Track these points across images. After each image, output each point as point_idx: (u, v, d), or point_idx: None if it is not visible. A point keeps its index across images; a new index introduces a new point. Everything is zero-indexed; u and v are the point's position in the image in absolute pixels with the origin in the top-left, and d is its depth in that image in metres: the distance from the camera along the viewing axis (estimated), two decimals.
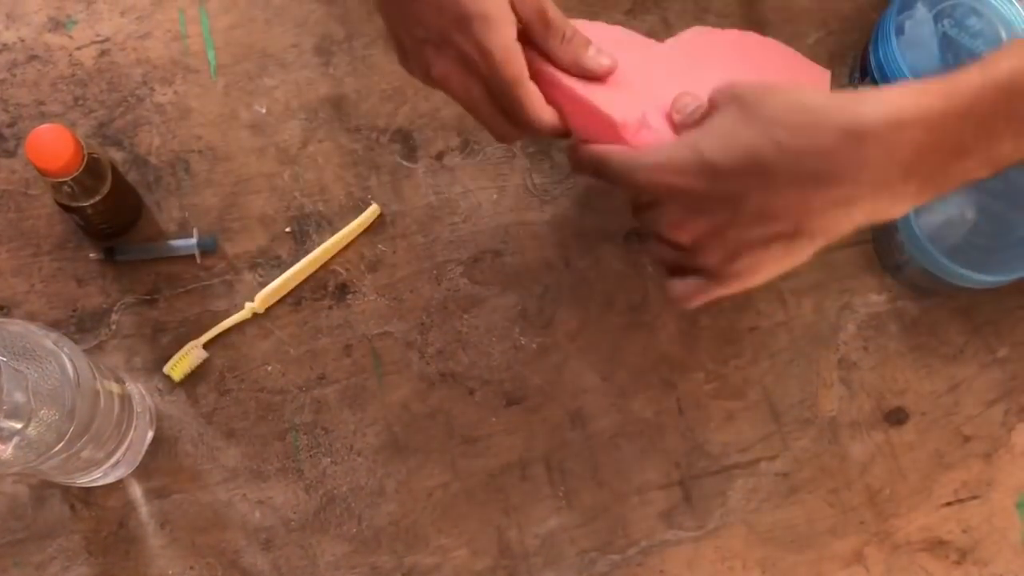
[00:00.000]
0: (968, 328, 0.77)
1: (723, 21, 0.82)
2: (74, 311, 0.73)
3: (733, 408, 0.75)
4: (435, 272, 0.75)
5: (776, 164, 0.47)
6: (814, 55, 0.81)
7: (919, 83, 0.48)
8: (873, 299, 0.77)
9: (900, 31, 0.75)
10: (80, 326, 0.72)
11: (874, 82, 0.77)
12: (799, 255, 0.51)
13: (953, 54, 0.76)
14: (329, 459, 0.72)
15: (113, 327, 0.72)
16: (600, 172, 0.58)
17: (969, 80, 0.47)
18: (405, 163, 0.77)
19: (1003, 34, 0.76)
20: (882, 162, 0.46)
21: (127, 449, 0.63)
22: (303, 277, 0.74)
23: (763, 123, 0.47)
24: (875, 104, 0.47)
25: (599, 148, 0.58)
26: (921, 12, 0.76)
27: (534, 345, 0.75)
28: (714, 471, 0.73)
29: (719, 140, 0.49)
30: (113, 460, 0.62)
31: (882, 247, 0.77)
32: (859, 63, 0.79)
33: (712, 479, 0.73)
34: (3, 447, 0.49)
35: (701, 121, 0.54)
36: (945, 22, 0.76)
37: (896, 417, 0.75)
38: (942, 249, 0.71)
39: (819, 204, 0.48)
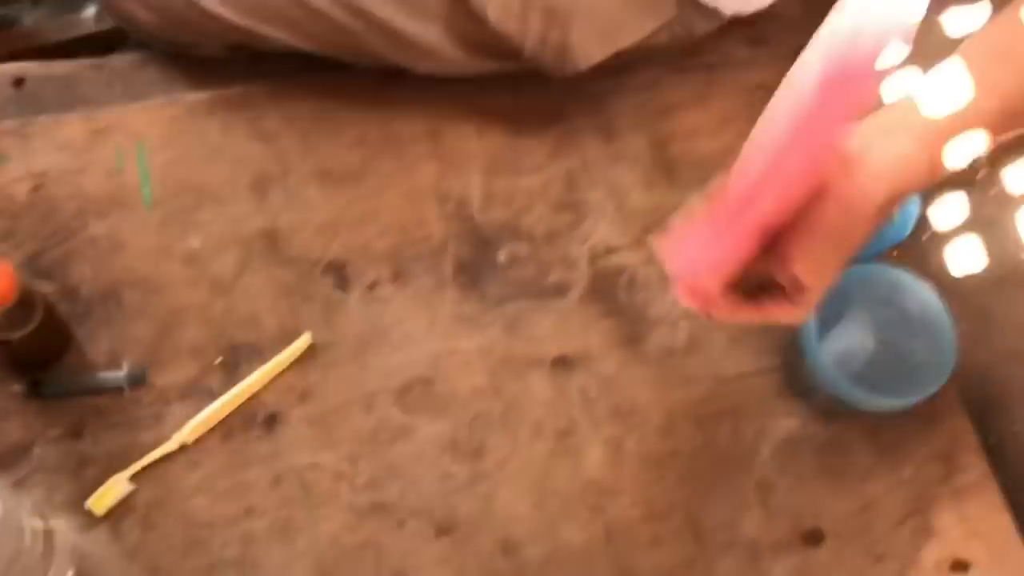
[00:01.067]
0: (875, 450, 0.81)
1: (635, 164, 0.88)
2: None
3: (659, 532, 0.76)
4: (366, 401, 0.77)
5: None
6: None
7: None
8: (786, 424, 0.81)
9: None
10: (0, 461, 0.70)
11: None
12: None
13: None
14: None
15: (35, 462, 0.71)
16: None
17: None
18: (338, 294, 0.79)
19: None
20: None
21: None
22: (233, 408, 0.74)
23: None
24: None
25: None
26: None
27: (464, 474, 0.76)
28: None
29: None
30: None
31: (792, 375, 0.82)
32: None
33: None
34: None
35: None
36: None
37: (813, 538, 0.78)
38: (846, 376, 0.76)
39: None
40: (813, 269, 0.60)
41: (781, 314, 0.63)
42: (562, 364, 0.80)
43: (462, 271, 0.82)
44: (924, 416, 0.83)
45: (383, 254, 0.82)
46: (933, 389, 0.77)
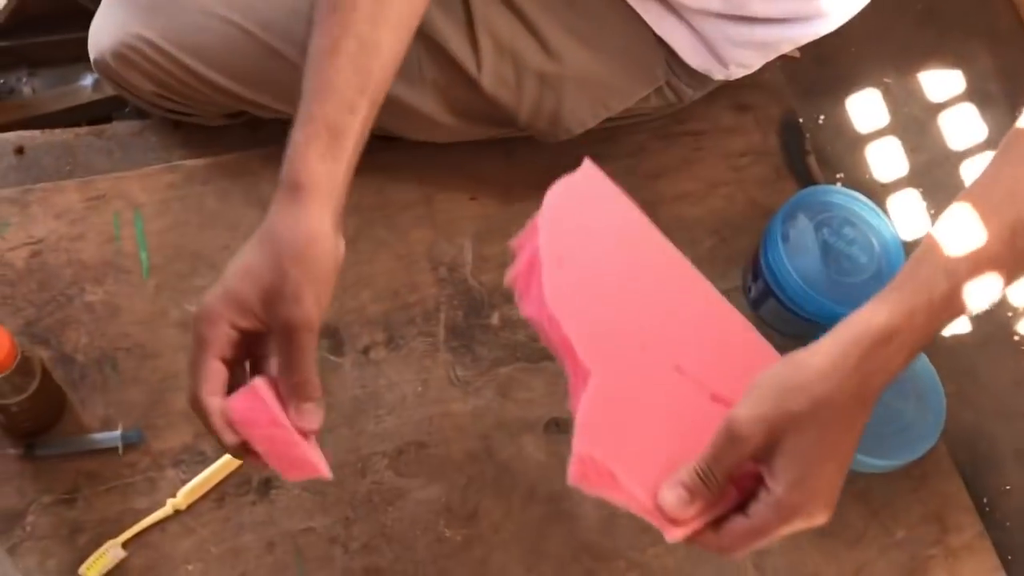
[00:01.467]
0: (867, 512, 0.82)
1: None
2: None
3: None
4: (360, 465, 0.77)
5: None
6: (710, 259, 0.89)
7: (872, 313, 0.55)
8: None
9: (786, 238, 0.84)
10: None
11: (766, 283, 0.84)
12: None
13: (833, 259, 0.84)
14: None
15: (28, 528, 0.71)
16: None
17: (912, 294, 0.55)
18: (332, 358, 0.80)
19: (874, 241, 0.86)
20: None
21: None
22: (227, 472, 0.74)
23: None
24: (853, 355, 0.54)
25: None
26: (803, 222, 0.85)
27: (459, 537, 0.76)
28: None
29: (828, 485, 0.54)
30: None
31: None
32: (751, 266, 0.87)
33: None
34: None
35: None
36: (824, 231, 0.85)
37: None
38: None
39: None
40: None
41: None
42: (555, 427, 0.80)
43: (455, 335, 0.83)
44: (915, 477, 0.83)
45: (377, 318, 0.82)
46: (924, 449, 0.78)
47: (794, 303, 0.83)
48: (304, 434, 0.58)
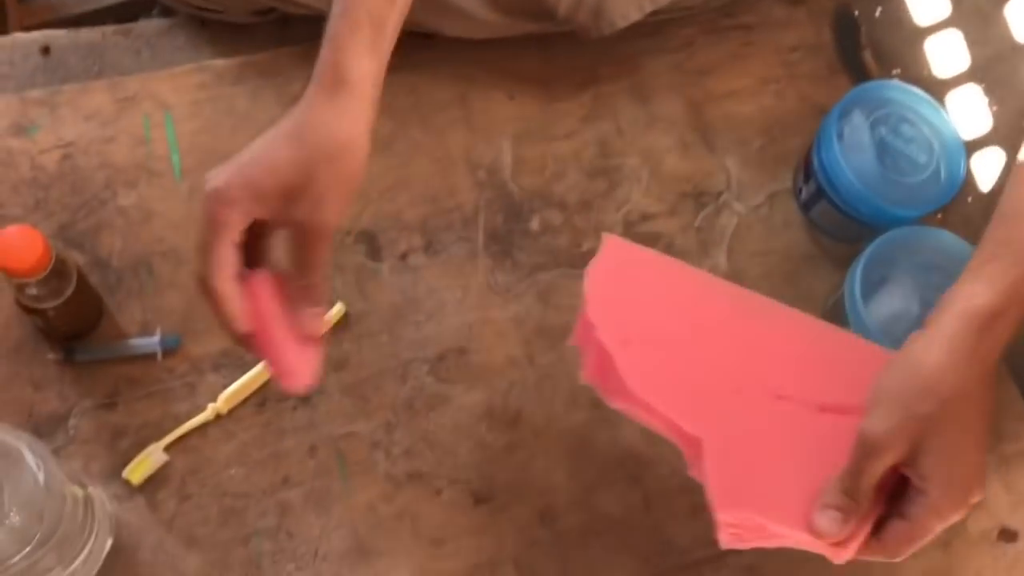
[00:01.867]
0: None
1: (672, 127, 0.86)
2: (30, 416, 0.71)
3: (699, 502, 0.74)
4: (400, 371, 0.76)
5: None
6: (760, 160, 0.86)
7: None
8: None
9: (840, 136, 0.80)
10: (37, 432, 0.70)
11: (818, 184, 0.81)
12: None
13: (890, 158, 0.80)
14: (293, 564, 0.70)
15: (71, 432, 0.71)
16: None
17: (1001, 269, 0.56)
18: (370, 263, 0.78)
19: (933, 140, 0.82)
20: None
21: (86, 558, 0.60)
22: (267, 377, 0.74)
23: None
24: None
25: None
26: (859, 119, 0.81)
27: (501, 442, 0.75)
28: (683, 566, 0.73)
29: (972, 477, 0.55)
30: (71, 569, 0.59)
31: None
32: (803, 166, 0.84)
33: (681, 574, 0.73)
34: None
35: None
36: (881, 128, 0.81)
37: None
38: (892, 342, 0.74)
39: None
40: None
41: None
42: None
43: (494, 240, 0.81)
44: None
45: (414, 223, 0.80)
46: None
47: (848, 204, 0.79)
48: (302, 340, 0.55)
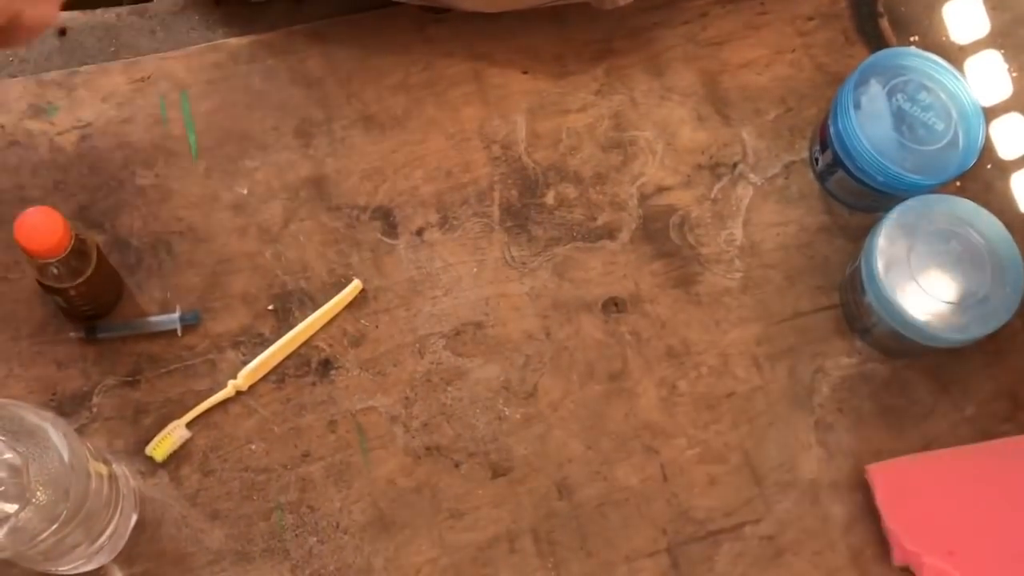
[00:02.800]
0: (936, 388, 0.79)
1: (686, 99, 0.85)
2: (54, 395, 0.72)
3: (716, 473, 0.76)
4: (418, 346, 0.76)
5: None
6: (775, 130, 0.85)
7: None
8: (845, 362, 0.79)
9: (857, 105, 0.79)
10: (60, 410, 0.71)
11: (835, 153, 0.80)
12: None
13: (908, 126, 0.80)
14: (315, 538, 0.71)
15: (94, 410, 0.72)
16: None
17: None
18: (386, 239, 0.79)
19: (951, 107, 0.81)
20: None
21: (112, 533, 0.61)
22: (286, 354, 0.75)
23: None
24: None
25: None
26: (875, 87, 0.81)
27: (518, 415, 0.75)
28: (700, 537, 0.74)
29: None
30: (97, 544, 0.61)
31: (851, 311, 0.80)
32: (819, 136, 0.83)
33: (699, 545, 0.73)
34: None
35: None
36: (898, 96, 0.81)
37: None
38: (907, 313, 0.74)
39: None
40: None
41: None
42: (613, 306, 0.79)
43: (510, 214, 0.81)
44: (989, 352, 0.80)
45: (430, 199, 0.81)
46: (998, 324, 0.75)
47: (865, 173, 0.79)
48: None
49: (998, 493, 0.75)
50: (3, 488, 0.48)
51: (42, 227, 0.62)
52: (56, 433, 0.52)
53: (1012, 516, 0.74)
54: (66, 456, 0.51)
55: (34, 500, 0.49)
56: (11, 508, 0.49)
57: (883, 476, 0.74)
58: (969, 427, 0.78)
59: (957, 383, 0.80)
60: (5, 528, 0.48)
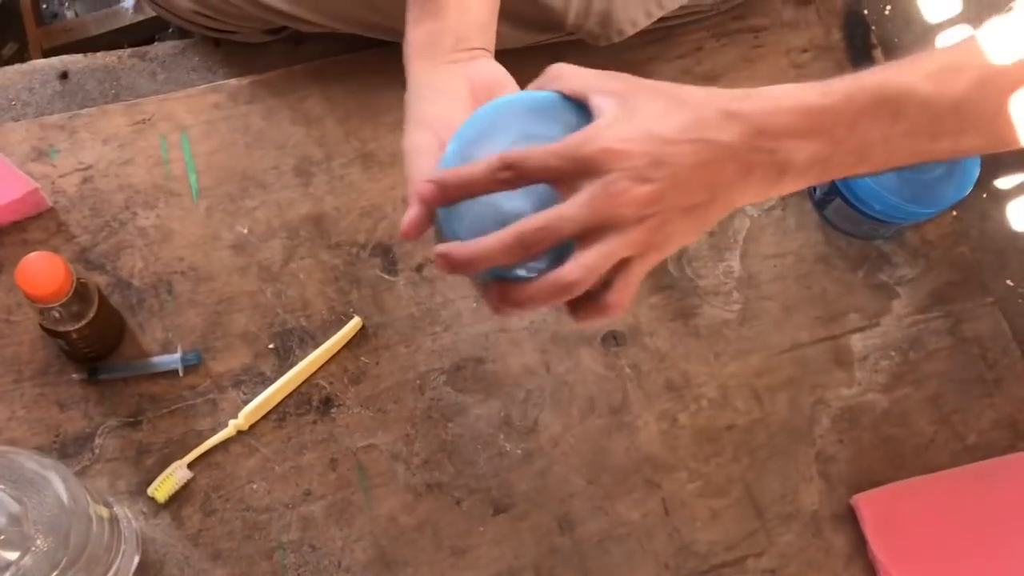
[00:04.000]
0: (937, 418, 0.79)
1: None
2: (57, 436, 0.72)
3: (717, 506, 0.76)
4: (418, 382, 0.77)
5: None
6: None
7: (801, 84, 0.53)
8: (845, 392, 0.79)
9: None
10: (63, 452, 0.72)
11: (832, 182, 0.81)
12: (707, 224, 0.53)
13: None
14: None
15: (96, 451, 0.72)
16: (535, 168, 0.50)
17: (842, 84, 0.52)
18: (386, 276, 0.79)
19: None
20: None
21: None
22: (287, 392, 0.75)
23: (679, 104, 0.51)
24: (756, 94, 0.52)
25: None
26: None
27: (519, 451, 0.75)
28: (703, 571, 0.73)
29: (658, 117, 0.50)
30: None
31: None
32: None
33: None
34: None
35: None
36: None
37: None
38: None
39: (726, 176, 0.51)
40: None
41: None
42: (613, 340, 0.79)
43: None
44: (988, 382, 0.81)
45: (429, 235, 0.80)
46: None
47: (863, 202, 0.79)
48: None
49: (987, 515, 0.75)
50: (3, 536, 0.48)
51: (43, 273, 0.62)
52: (56, 479, 0.52)
53: (1000, 538, 0.74)
54: (66, 502, 0.52)
55: (34, 547, 0.50)
56: (12, 556, 0.49)
57: (871, 506, 0.74)
58: (970, 456, 0.78)
59: (957, 413, 0.80)
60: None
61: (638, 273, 0.51)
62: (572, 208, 0.48)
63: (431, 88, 0.59)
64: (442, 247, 0.50)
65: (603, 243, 0.48)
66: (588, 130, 0.49)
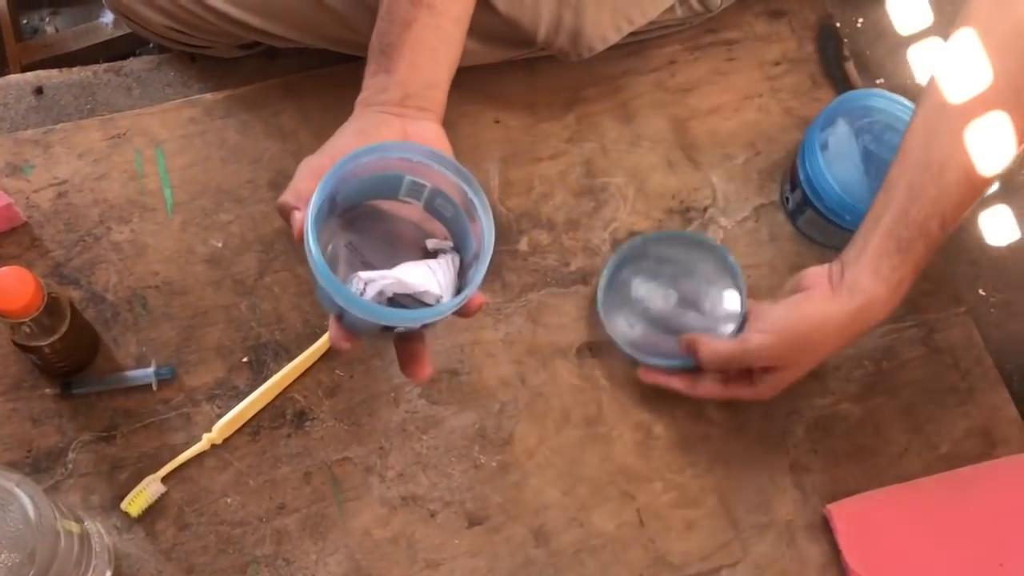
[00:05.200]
0: (910, 427, 0.80)
1: (656, 146, 0.87)
2: (29, 451, 0.72)
3: (692, 517, 0.76)
4: (393, 395, 0.77)
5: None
6: (745, 174, 0.86)
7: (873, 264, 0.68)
8: (818, 403, 0.80)
9: (824, 147, 0.81)
10: (36, 466, 0.71)
11: (804, 193, 0.81)
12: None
13: (875, 165, 0.81)
14: None
15: (70, 466, 0.72)
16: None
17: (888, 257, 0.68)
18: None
19: None
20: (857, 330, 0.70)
21: None
22: (261, 406, 0.75)
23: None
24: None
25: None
26: (842, 128, 0.82)
27: (494, 463, 0.76)
28: None
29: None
30: None
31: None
32: (788, 177, 0.84)
33: None
34: None
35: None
36: (865, 137, 0.82)
37: None
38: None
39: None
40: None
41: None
42: (588, 351, 0.79)
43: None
44: (961, 390, 0.81)
45: None
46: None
47: (833, 212, 0.80)
48: None
49: (960, 524, 0.75)
50: None
51: (13, 288, 0.62)
52: (22, 495, 0.52)
53: (974, 547, 0.74)
54: (32, 517, 0.51)
55: None
56: None
57: (843, 515, 0.75)
58: (944, 465, 0.79)
59: (931, 422, 0.80)
60: None
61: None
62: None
63: (359, 128, 0.63)
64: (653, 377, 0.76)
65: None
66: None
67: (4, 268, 0.63)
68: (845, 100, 0.83)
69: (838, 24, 0.92)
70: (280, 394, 0.75)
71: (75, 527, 0.60)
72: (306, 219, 0.55)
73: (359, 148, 0.58)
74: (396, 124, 0.62)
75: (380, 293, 0.57)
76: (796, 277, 0.73)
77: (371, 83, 0.64)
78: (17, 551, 0.50)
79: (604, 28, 0.80)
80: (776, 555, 0.75)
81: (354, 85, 0.85)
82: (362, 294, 0.57)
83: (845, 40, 0.91)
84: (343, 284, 0.56)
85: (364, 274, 0.57)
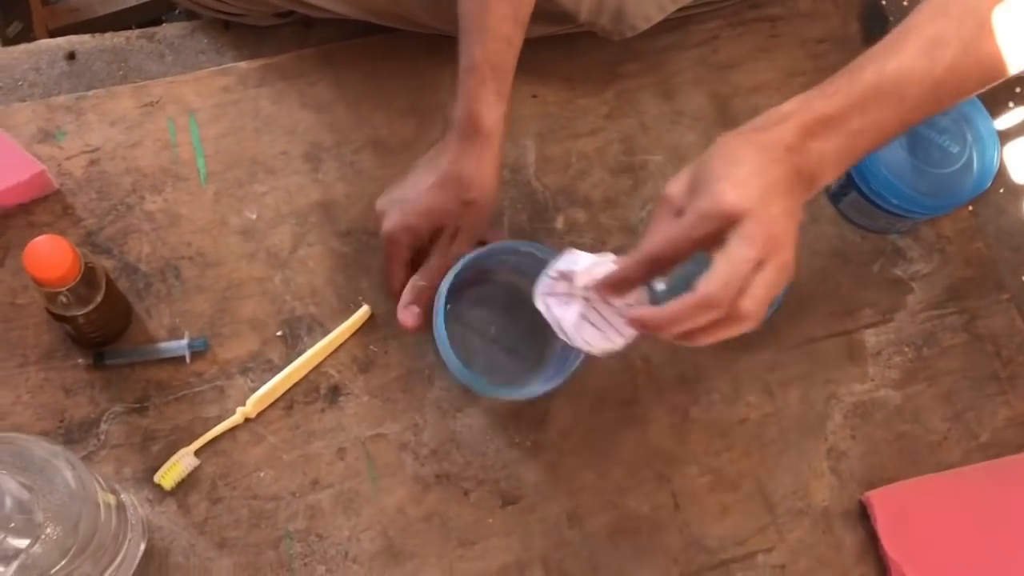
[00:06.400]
0: (950, 415, 0.79)
1: (697, 123, 0.85)
2: (62, 422, 0.71)
3: (728, 501, 0.75)
4: (428, 372, 0.76)
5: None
6: None
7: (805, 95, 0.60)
8: (857, 388, 0.79)
9: None
10: (68, 437, 0.71)
11: (848, 174, 0.80)
12: (799, 217, 0.58)
13: (923, 148, 0.79)
14: (324, 567, 0.70)
15: (102, 437, 0.71)
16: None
17: (841, 84, 0.60)
18: None
19: (966, 130, 0.80)
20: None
21: (120, 563, 0.61)
22: (295, 380, 0.74)
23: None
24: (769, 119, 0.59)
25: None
26: None
27: (528, 443, 0.75)
28: (712, 566, 0.73)
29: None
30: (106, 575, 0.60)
31: None
32: None
33: (711, 575, 0.73)
34: (3, 569, 0.48)
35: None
36: None
37: None
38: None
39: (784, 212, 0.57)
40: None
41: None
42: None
43: (519, 239, 0.80)
44: (1002, 379, 0.80)
45: None
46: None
47: (879, 195, 0.78)
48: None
49: (1000, 513, 0.74)
50: (13, 524, 0.48)
51: (51, 257, 0.61)
52: (64, 466, 0.51)
53: (1013, 537, 0.73)
54: (75, 489, 0.51)
55: (44, 535, 0.49)
56: (22, 544, 0.48)
57: (883, 503, 0.74)
58: (983, 454, 0.78)
59: (971, 410, 0.79)
60: (15, 564, 0.48)
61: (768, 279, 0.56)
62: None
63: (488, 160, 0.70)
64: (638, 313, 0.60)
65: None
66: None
67: (42, 236, 0.62)
68: None
69: (884, 2, 0.90)
70: (314, 369, 0.75)
71: (112, 499, 0.59)
72: (436, 312, 0.68)
73: (474, 253, 0.69)
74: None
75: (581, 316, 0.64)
76: None
77: (497, 110, 0.70)
78: (62, 523, 0.50)
79: (647, 7, 0.78)
80: (812, 541, 0.74)
81: (391, 57, 0.84)
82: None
83: (891, 19, 0.90)
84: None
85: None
